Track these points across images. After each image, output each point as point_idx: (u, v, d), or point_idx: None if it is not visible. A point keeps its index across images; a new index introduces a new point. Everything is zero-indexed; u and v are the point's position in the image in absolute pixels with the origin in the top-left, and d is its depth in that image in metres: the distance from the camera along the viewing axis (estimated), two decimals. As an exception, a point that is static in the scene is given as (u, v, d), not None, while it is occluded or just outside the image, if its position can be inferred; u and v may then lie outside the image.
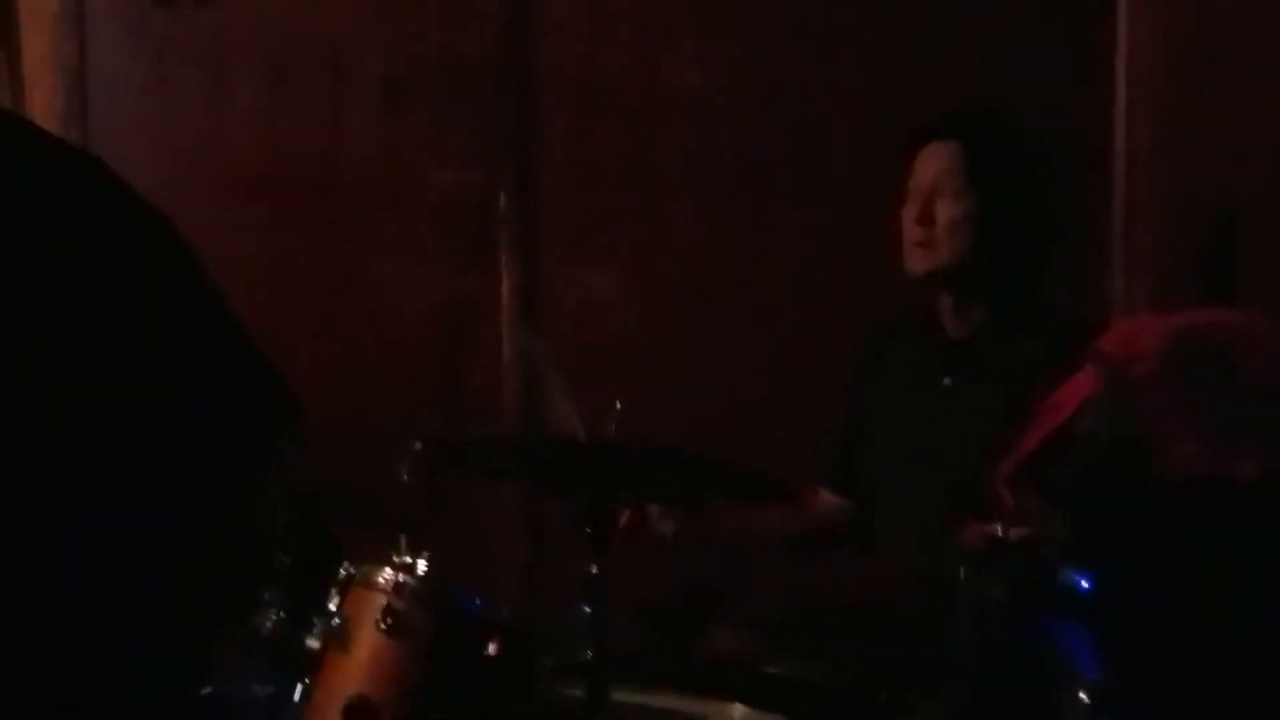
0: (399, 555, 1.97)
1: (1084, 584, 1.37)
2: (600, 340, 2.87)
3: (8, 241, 1.16)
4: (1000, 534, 1.42)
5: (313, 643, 1.91)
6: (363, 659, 1.89)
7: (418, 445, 2.25)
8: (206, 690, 1.85)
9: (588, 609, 1.81)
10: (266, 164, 2.93)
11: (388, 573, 1.91)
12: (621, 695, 1.82)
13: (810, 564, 2.40)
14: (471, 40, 2.93)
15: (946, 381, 2.23)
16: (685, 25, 2.91)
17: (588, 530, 1.82)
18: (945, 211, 2.21)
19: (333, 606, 1.92)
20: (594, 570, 1.81)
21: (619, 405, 1.94)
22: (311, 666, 1.89)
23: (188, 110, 2.95)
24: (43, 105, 2.93)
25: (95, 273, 1.20)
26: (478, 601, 1.97)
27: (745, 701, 1.77)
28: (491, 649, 1.88)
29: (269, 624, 1.91)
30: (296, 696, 1.90)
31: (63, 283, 1.17)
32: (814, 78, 2.89)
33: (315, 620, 1.92)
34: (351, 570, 1.94)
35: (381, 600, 1.89)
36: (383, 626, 1.87)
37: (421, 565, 1.98)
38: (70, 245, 1.19)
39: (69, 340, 1.15)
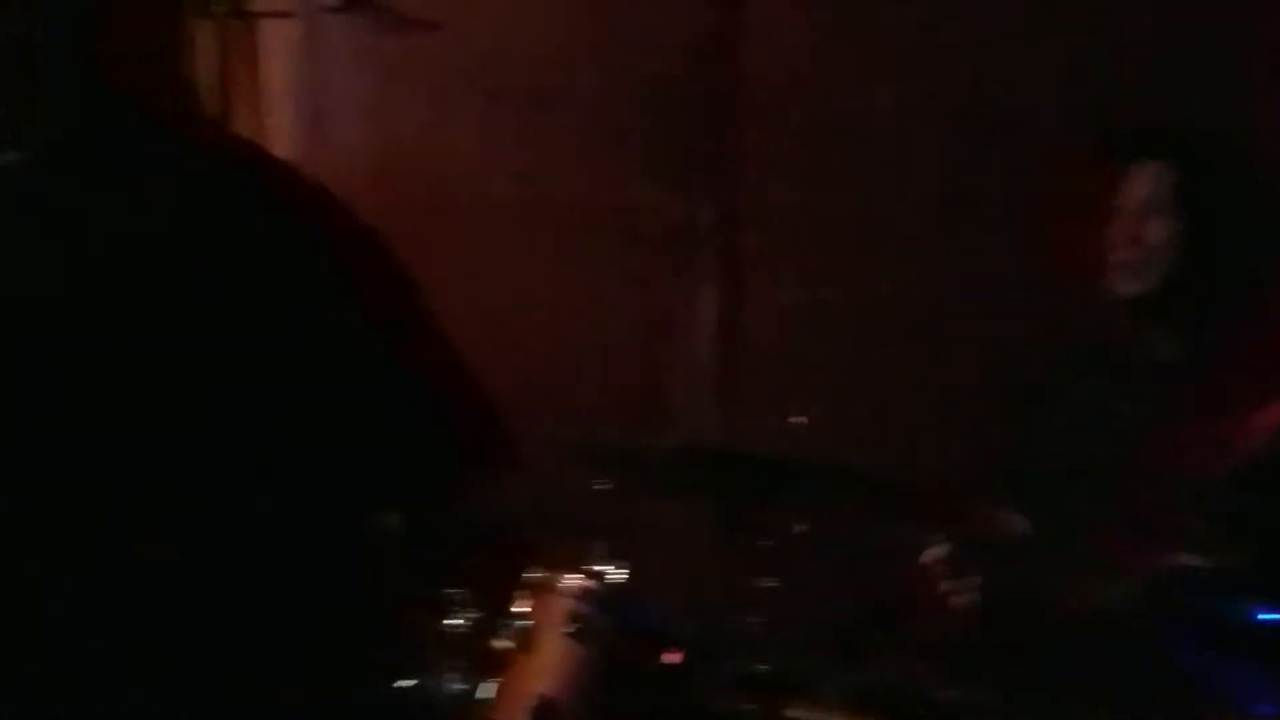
0: (590, 562, 2.02)
1: (1267, 618, 1.30)
2: (799, 358, 2.87)
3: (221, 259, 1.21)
4: (1177, 562, 1.36)
5: (501, 643, 1.96)
6: (548, 662, 1.93)
7: (613, 456, 2.29)
8: (401, 683, 1.93)
9: (765, 622, 1.82)
10: (479, 185, 3.03)
11: (574, 578, 1.96)
12: (796, 712, 1.82)
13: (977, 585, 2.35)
14: (676, 59, 2.97)
15: (1140, 405, 2.15)
16: (888, 40, 2.88)
17: (766, 543, 1.83)
18: (1157, 233, 2.14)
19: (521, 609, 1.97)
20: (771, 584, 1.82)
21: (803, 420, 1.94)
22: (499, 666, 1.95)
23: (409, 132, 3.07)
24: (282, 130, 3.11)
25: (299, 303, 1.24)
26: (660, 611, 1.99)
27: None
28: (672, 659, 1.91)
29: (460, 622, 1.97)
30: (483, 695, 1.96)
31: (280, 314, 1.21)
32: (1020, 93, 2.83)
33: (504, 621, 1.97)
34: (540, 574, 1.99)
35: (568, 605, 1.93)
36: (566, 632, 1.91)
37: (613, 572, 2.02)
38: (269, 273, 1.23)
39: (264, 371, 1.19)
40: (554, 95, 3.02)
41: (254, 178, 1.31)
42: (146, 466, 1.14)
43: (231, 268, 1.22)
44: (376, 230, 1.37)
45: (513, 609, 1.96)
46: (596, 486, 2.22)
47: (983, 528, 2.32)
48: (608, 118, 2.99)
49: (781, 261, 2.94)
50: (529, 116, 3.04)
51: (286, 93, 3.09)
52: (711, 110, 2.96)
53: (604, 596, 1.94)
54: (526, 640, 1.92)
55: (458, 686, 1.95)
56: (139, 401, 1.15)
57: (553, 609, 1.93)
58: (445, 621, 1.96)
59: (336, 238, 1.32)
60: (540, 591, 1.96)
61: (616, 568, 2.03)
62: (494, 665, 1.93)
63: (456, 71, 3.06)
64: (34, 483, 1.10)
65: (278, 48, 3.09)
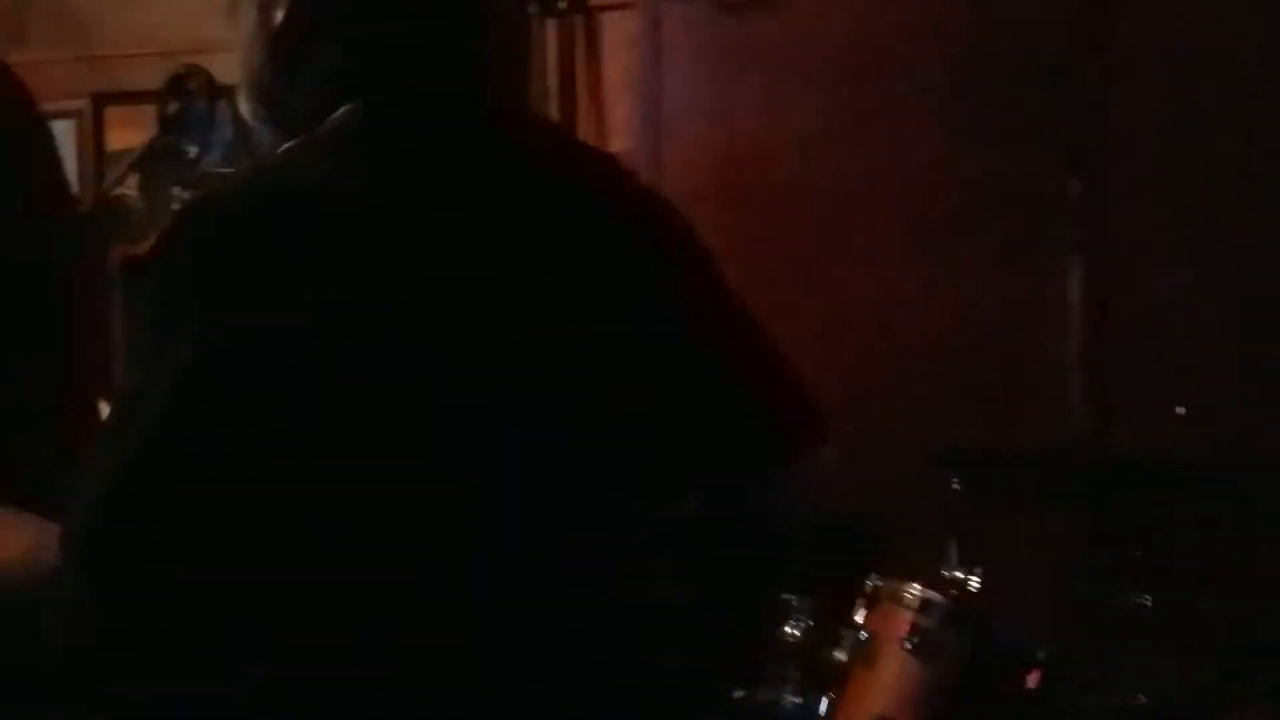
0: (941, 570, 1.88)
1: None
2: (1169, 342, 2.57)
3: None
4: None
5: (839, 655, 1.84)
6: (887, 678, 1.79)
7: (969, 456, 2.14)
8: (740, 695, 1.84)
9: (1139, 647, 1.60)
10: (824, 166, 2.91)
11: (916, 589, 1.81)
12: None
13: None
14: (1038, 31, 2.74)
15: None
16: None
17: (1139, 555, 1.61)
18: None
19: (859, 620, 1.84)
20: (1146, 602, 1.60)
21: (1182, 411, 1.70)
22: (837, 680, 1.83)
23: (749, 117, 2.99)
24: (621, 121, 3.09)
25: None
26: (1015, 627, 1.81)
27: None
28: (1030, 683, 1.72)
29: (797, 633, 1.87)
30: (822, 710, 1.84)
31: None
32: None
33: (842, 633, 1.85)
34: (879, 584, 1.85)
35: (908, 618, 1.78)
36: (908, 646, 1.77)
37: (966, 582, 1.86)
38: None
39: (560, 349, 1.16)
40: (905, 72, 2.85)
41: (585, 175, 1.26)
42: (487, 458, 1.09)
43: (559, 264, 1.16)
44: (694, 228, 1.30)
45: (852, 619, 1.85)
46: (951, 488, 2.06)
47: None
48: (968, 94, 2.79)
49: (1151, 241, 2.65)
50: (881, 95, 2.88)
51: (627, 85, 3.08)
52: (1079, 82, 2.70)
53: (950, 609, 1.78)
54: (865, 653, 1.80)
55: (792, 699, 1.85)
56: (489, 401, 1.11)
57: (894, 621, 1.80)
58: (781, 629, 1.87)
59: (662, 232, 1.25)
60: (881, 601, 1.83)
61: (970, 577, 1.87)
62: (830, 679, 1.82)
63: (799, 52, 2.95)
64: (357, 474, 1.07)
65: (617, 40, 3.08)
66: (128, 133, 3.36)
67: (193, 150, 2.80)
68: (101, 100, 3.45)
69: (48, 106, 2.72)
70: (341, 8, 1.19)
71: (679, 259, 1.25)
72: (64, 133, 3.28)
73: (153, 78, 2.88)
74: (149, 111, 2.90)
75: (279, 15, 1.18)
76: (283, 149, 1.17)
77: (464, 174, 1.17)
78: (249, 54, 1.22)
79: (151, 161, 2.92)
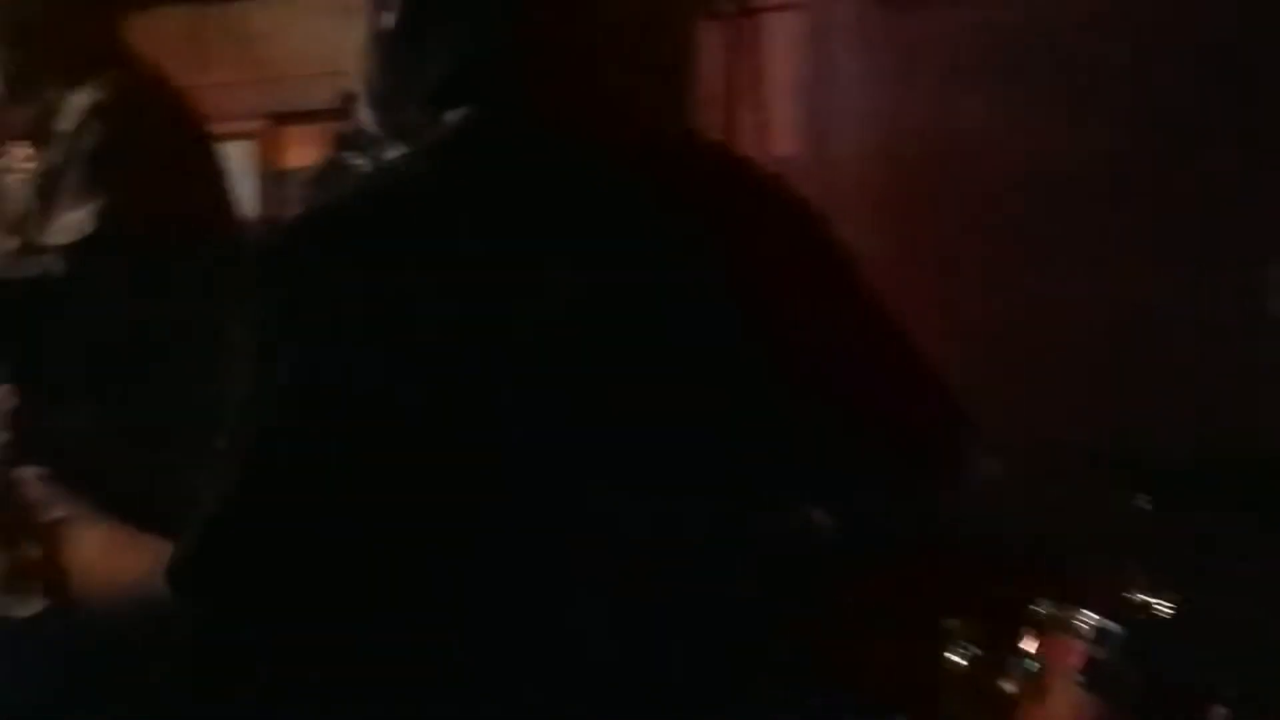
0: (1123, 594, 1.75)
1: None
2: None
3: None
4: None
5: (1007, 686, 1.73)
6: (1059, 713, 1.67)
7: (1159, 468, 2.02)
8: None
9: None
10: (998, 163, 2.78)
11: (1090, 616, 1.68)
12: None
13: None
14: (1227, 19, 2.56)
15: None
16: None
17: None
18: None
19: (1028, 647, 1.73)
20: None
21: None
22: (1002, 713, 1.71)
23: (917, 115, 2.88)
24: (786, 125, 3.02)
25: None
26: (1205, 660, 1.67)
27: None
28: (1218, 722, 1.58)
29: (959, 657, 1.77)
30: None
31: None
32: None
33: (1010, 660, 1.74)
34: (1051, 610, 1.73)
35: (1081, 648, 1.66)
36: (1081, 680, 1.64)
37: (1154, 608, 1.73)
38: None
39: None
40: (1088, 66, 2.71)
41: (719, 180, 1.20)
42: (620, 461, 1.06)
43: (697, 275, 1.11)
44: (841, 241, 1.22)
45: (1021, 647, 1.74)
46: (1136, 504, 1.93)
47: None
48: (1149, 88, 2.64)
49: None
50: (1056, 90, 2.74)
51: (792, 87, 3.01)
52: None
53: (1130, 640, 1.65)
54: (1034, 686, 1.68)
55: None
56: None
57: (1066, 651, 1.67)
58: (943, 655, 1.77)
59: (811, 243, 1.18)
60: (1052, 629, 1.71)
61: (1155, 603, 1.74)
62: (996, 711, 1.71)
63: (973, 48, 2.83)
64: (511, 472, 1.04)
65: (782, 41, 3.01)
66: (304, 151, 3.45)
67: (366, 166, 2.85)
68: (279, 120, 3.55)
69: (227, 127, 2.79)
70: (450, 10, 1.16)
71: (810, 265, 1.18)
72: (243, 153, 3.38)
73: (328, 97, 2.95)
74: (324, 130, 2.97)
75: (389, 19, 1.16)
76: (392, 159, 1.15)
77: (573, 185, 1.12)
78: (364, 61, 1.20)
79: (326, 178, 2.99)
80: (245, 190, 2.79)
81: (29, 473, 1.43)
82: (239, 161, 3.03)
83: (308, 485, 1.02)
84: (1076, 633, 1.68)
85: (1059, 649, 1.69)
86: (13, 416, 2.11)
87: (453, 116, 1.14)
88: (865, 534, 1.16)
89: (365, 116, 1.24)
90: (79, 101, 2.12)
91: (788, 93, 3.02)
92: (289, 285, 1.09)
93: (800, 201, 1.28)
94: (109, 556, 1.25)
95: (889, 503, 1.16)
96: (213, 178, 2.37)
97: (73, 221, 2.01)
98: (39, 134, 2.20)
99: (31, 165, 2.17)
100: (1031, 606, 1.74)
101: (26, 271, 2.02)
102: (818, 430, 1.13)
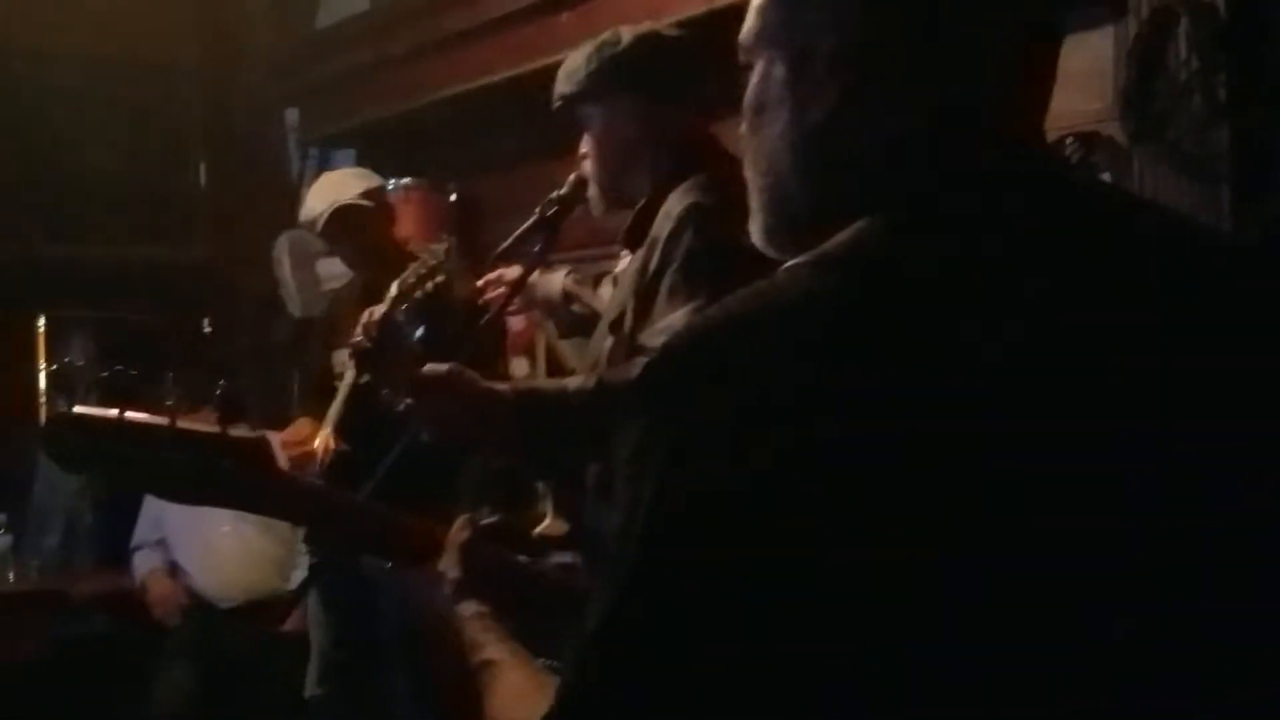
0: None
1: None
2: None
3: None
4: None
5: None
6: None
7: None
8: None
9: None
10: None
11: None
12: None
13: None
14: None
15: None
16: None
17: None
18: None
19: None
20: None
21: None
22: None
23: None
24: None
25: None
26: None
27: None
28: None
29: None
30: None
31: None
32: None
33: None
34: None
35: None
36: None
37: None
38: None
39: None
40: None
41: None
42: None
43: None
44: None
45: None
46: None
47: None
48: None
49: None
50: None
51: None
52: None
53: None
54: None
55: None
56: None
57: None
58: None
59: None
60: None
61: None
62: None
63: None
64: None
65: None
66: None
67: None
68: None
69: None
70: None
71: None
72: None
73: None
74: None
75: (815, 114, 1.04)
76: (789, 265, 0.99)
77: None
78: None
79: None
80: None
81: (469, 609, 1.45)
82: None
83: (689, 624, 0.89)
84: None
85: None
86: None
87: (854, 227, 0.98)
88: None
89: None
90: (675, 204, 2.14)
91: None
92: (679, 402, 0.94)
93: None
94: (523, 701, 1.25)
95: None
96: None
97: (674, 322, 2.01)
98: (635, 237, 2.23)
99: (631, 267, 2.20)
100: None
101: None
102: None
